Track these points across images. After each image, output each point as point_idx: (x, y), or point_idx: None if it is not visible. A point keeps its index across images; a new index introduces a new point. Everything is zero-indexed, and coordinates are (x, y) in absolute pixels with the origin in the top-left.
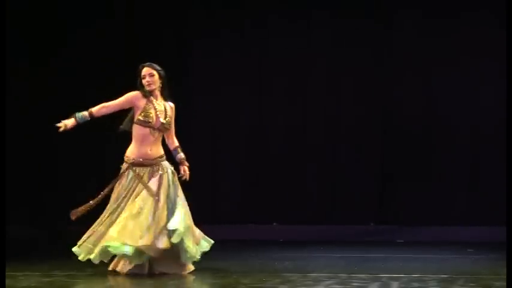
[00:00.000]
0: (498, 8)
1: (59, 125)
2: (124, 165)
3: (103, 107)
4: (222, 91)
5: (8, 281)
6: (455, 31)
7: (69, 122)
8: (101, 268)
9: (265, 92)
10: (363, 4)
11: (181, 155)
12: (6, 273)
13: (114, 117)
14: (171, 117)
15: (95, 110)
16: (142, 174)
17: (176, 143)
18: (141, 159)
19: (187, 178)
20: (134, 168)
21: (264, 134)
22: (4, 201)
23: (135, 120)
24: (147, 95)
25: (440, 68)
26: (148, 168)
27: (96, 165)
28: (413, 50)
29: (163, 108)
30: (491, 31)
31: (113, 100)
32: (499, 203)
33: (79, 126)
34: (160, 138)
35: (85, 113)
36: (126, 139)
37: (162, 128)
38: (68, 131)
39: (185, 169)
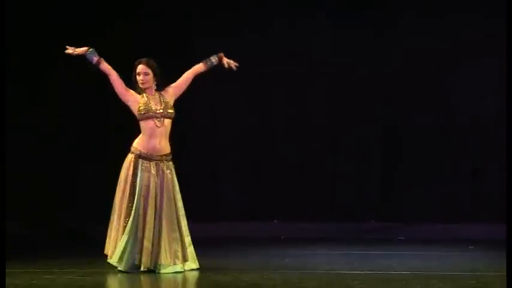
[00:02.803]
0: (497, 8)
1: (69, 47)
2: (130, 156)
3: (110, 70)
4: (222, 89)
5: (8, 279)
6: (455, 32)
7: (80, 49)
8: (101, 265)
9: (265, 90)
10: (363, 7)
11: (212, 58)
12: (7, 271)
13: (115, 115)
14: (172, 94)
15: (105, 63)
16: (150, 168)
17: (196, 65)
18: (148, 153)
19: (234, 66)
20: (141, 160)
21: (265, 132)
22: (4, 199)
23: (137, 116)
24: (141, 92)
25: (441, 67)
26: (155, 163)
27: (96, 163)
28: (413, 50)
29: (158, 99)
30: (491, 31)
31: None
32: (499, 200)
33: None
34: (169, 130)
35: (96, 56)
36: (126, 137)
37: (165, 114)
38: (72, 56)
39: (227, 61)
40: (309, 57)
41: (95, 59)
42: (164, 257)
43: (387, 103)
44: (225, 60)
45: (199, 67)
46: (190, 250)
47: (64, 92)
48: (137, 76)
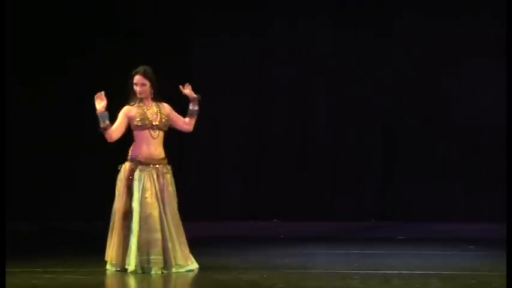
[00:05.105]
0: (498, 8)
1: (100, 94)
2: (128, 164)
3: (114, 131)
4: (223, 89)
5: (8, 278)
6: (455, 32)
7: (102, 105)
8: (101, 265)
9: (265, 90)
10: (363, 7)
11: (190, 106)
12: (7, 270)
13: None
14: (167, 115)
15: (111, 127)
16: (150, 172)
17: (186, 119)
18: (146, 158)
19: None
20: (140, 166)
21: (265, 131)
22: (4, 198)
23: (132, 127)
24: (137, 102)
25: (441, 67)
26: (154, 167)
27: (97, 163)
28: (413, 50)
29: (155, 110)
30: (491, 31)
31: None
32: (499, 199)
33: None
34: (163, 139)
35: (107, 121)
36: (125, 136)
37: (161, 127)
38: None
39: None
40: (309, 57)
41: (107, 123)
42: (179, 257)
43: (387, 103)
44: (186, 91)
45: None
46: (188, 250)
47: (64, 92)
48: (134, 86)
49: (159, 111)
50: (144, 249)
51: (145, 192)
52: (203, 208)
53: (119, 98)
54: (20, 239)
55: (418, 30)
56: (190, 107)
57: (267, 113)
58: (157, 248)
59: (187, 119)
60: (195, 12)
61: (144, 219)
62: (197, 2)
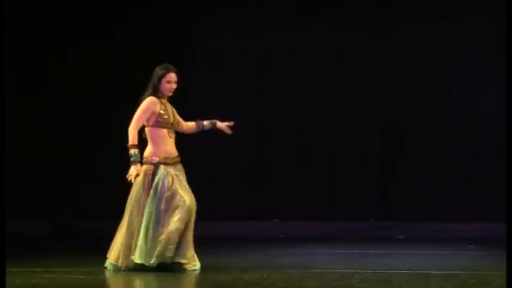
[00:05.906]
0: (498, 8)
1: (130, 177)
2: (147, 167)
3: (133, 131)
4: (223, 89)
5: (8, 278)
6: (455, 32)
7: (135, 169)
8: (101, 264)
9: (265, 90)
10: (363, 7)
11: (206, 121)
12: (7, 270)
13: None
14: (175, 115)
15: (133, 141)
16: (170, 172)
17: (192, 122)
18: (165, 158)
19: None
20: (161, 166)
21: (265, 132)
22: (4, 198)
23: (153, 123)
24: (161, 98)
25: (441, 67)
26: (172, 166)
27: (97, 162)
28: (413, 50)
29: (173, 112)
30: (491, 31)
31: (134, 112)
32: (499, 199)
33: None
34: (175, 138)
35: (135, 151)
36: (125, 135)
37: (176, 126)
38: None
39: (224, 125)
40: (309, 57)
41: (136, 151)
42: (180, 256)
43: (387, 103)
44: (219, 125)
45: (193, 126)
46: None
47: (67, 91)
48: (167, 84)
49: (174, 113)
50: (153, 244)
51: (167, 192)
52: (203, 208)
53: (119, 97)
54: (20, 239)
55: (418, 30)
56: (205, 123)
57: (266, 113)
58: (175, 239)
59: (190, 123)
60: (196, 12)
61: (161, 224)
62: (197, 2)
